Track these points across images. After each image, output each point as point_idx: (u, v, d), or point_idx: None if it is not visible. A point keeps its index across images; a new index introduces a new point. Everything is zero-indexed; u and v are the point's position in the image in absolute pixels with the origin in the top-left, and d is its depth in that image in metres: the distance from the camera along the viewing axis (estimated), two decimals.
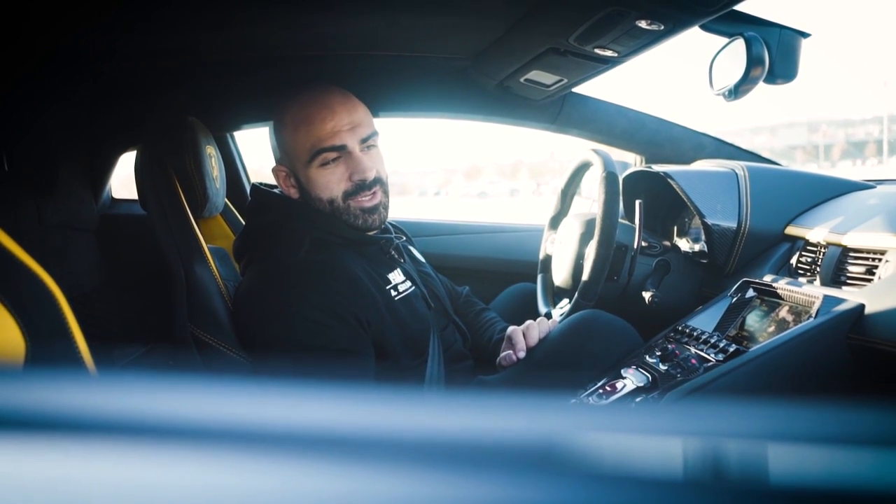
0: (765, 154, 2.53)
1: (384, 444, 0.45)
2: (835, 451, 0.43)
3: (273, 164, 1.88)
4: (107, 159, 2.57)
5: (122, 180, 2.73)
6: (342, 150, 1.77)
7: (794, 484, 0.41)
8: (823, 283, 1.72)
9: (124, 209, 2.72)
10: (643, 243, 2.13)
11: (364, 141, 1.79)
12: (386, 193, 1.85)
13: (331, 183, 1.78)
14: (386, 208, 1.85)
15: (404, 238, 2.09)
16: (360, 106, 1.83)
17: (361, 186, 1.78)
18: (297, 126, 1.78)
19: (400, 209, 1.90)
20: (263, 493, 0.42)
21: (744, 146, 2.63)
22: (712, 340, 1.73)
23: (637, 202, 2.05)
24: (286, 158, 1.83)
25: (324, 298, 1.65)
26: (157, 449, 0.45)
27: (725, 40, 1.82)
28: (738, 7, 1.62)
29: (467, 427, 0.47)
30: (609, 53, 1.85)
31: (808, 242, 1.88)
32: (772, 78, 1.77)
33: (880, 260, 1.59)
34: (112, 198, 2.77)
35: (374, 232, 1.88)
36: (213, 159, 2.03)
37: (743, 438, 0.45)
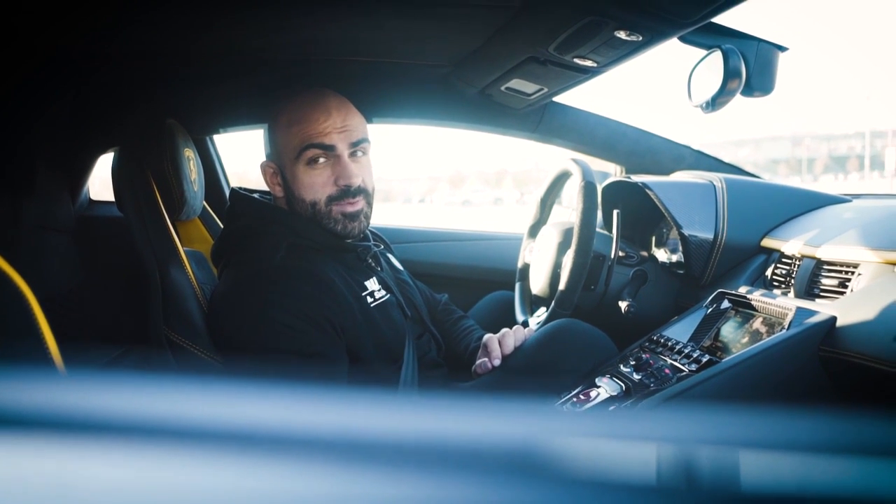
0: (748, 167, 2.54)
1: (357, 445, 0.45)
2: (806, 458, 0.43)
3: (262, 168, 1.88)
4: (85, 160, 2.56)
5: (104, 181, 2.73)
6: (330, 150, 1.77)
7: (765, 490, 0.41)
8: (797, 296, 1.73)
9: (102, 211, 2.71)
10: (620, 253, 2.14)
11: (354, 145, 1.79)
12: (370, 204, 1.85)
13: (316, 185, 1.77)
14: (367, 218, 1.85)
15: (382, 246, 2.09)
16: (356, 112, 1.84)
17: (346, 192, 1.78)
18: (291, 123, 1.78)
19: (384, 216, 1.91)
20: (233, 492, 0.42)
21: (727, 159, 2.64)
22: (686, 350, 1.73)
23: (615, 212, 2.06)
24: (275, 155, 1.83)
25: (298, 303, 1.65)
26: (126, 448, 0.44)
27: (703, 52, 1.83)
28: (717, 19, 1.63)
29: (442, 429, 0.47)
30: (589, 63, 1.86)
31: (783, 255, 1.89)
32: (749, 91, 1.78)
33: (853, 273, 1.60)
34: (90, 199, 2.76)
35: (352, 240, 1.88)
36: (191, 162, 2.02)
37: (715, 445, 0.45)
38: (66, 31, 1.87)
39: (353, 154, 1.80)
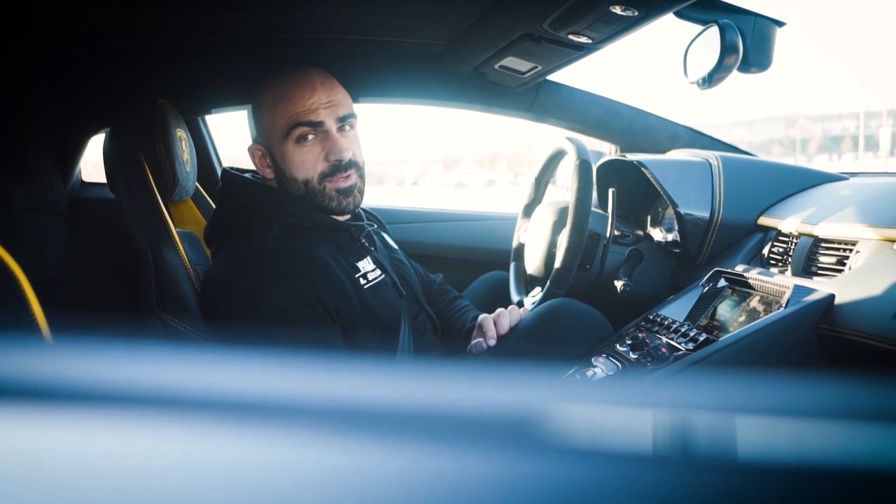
0: (742, 147, 2.53)
1: (353, 414, 0.44)
2: (803, 424, 0.43)
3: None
4: (76, 142, 2.54)
5: (97, 165, 2.71)
6: (319, 126, 1.75)
7: (762, 458, 0.40)
8: (795, 274, 1.72)
9: (94, 193, 2.69)
10: (616, 232, 2.13)
11: (341, 120, 1.78)
12: (362, 178, 1.84)
13: (307, 162, 1.76)
14: (361, 192, 1.83)
15: (376, 225, 2.07)
16: (341, 88, 1.82)
17: (337, 167, 1.76)
18: (276, 102, 1.76)
19: (377, 198, 1.88)
20: (222, 462, 0.41)
21: (721, 139, 2.63)
22: (683, 329, 1.73)
23: (610, 191, 2.05)
24: (263, 137, 1.81)
25: (292, 286, 1.63)
26: (113, 417, 0.44)
27: (700, 28, 1.81)
28: None
29: (439, 398, 0.46)
30: (583, 40, 1.84)
31: (780, 233, 1.88)
32: (746, 66, 1.77)
33: (851, 250, 1.59)
34: (82, 181, 2.74)
35: (346, 218, 1.87)
36: (183, 142, 2.01)
37: (712, 413, 0.44)
38: (54, 11, 1.85)
39: (340, 129, 1.78)
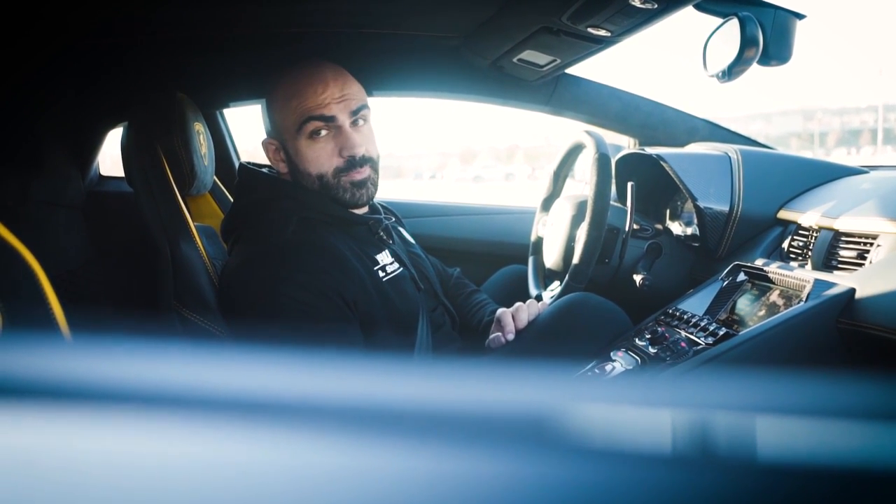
0: (760, 141, 2.51)
1: (370, 413, 0.43)
2: (824, 424, 0.42)
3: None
4: (94, 135, 2.54)
5: (115, 159, 2.71)
6: (331, 121, 1.75)
7: (783, 459, 0.40)
8: (815, 268, 1.71)
9: (112, 186, 2.70)
10: (635, 226, 2.12)
11: (354, 113, 1.77)
12: (376, 171, 1.84)
13: (321, 157, 1.76)
14: (374, 185, 1.84)
15: (393, 219, 2.07)
16: (354, 81, 1.81)
17: (352, 163, 1.77)
18: (288, 97, 1.76)
19: (394, 192, 1.87)
20: (243, 462, 0.41)
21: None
22: (702, 324, 1.72)
23: (629, 184, 2.04)
24: (276, 131, 1.81)
25: (310, 278, 1.64)
26: (133, 416, 0.43)
27: (719, 21, 1.80)
28: None
29: (455, 397, 0.46)
30: (602, 33, 1.83)
31: (800, 227, 1.87)
32: (766, 59, 1.75)
33: (872, 244, 1.58)
34: (100, 175, 2.75)
35: (363, 211, 1.87)
36: (201, 136, 2.01)
37: (732, 412, 0.44)
38: (72, 4, 1.85)
39: (353, 123, 1.78)
